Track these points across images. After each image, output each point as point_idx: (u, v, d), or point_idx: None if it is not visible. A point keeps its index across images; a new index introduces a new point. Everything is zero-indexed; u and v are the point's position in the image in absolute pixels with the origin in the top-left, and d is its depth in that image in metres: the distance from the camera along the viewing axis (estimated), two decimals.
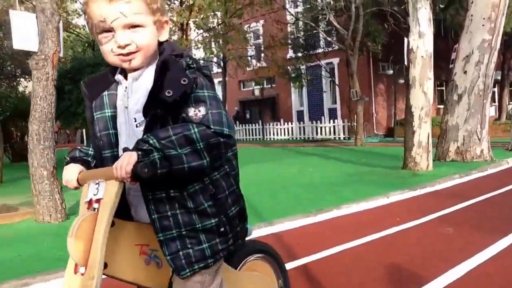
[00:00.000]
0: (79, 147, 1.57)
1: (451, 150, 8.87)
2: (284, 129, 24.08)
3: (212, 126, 1.30)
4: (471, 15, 8.62)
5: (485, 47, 8.56)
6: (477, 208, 5.18)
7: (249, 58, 23.55)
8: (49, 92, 4.96)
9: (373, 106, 23.70)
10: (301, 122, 24.37)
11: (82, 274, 1.30)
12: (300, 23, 22.23)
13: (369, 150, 13.88)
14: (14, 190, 7.87)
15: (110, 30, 1.35)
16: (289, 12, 22.26)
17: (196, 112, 1.32)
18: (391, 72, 20.14)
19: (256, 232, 4.40)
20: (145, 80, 1.41)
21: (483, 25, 8.50)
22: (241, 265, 1.79)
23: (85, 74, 12.41)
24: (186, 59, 1.42)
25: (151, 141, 1.25)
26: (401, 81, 20.44)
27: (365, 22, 17.04)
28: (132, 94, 1.43)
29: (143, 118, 1.37)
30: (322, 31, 17.87)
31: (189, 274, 1.41)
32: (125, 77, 1.45)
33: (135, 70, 1.42)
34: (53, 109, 5.00)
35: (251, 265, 1.86)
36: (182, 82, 1.32)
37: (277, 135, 24.25)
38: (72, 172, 1.45)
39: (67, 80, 12.35)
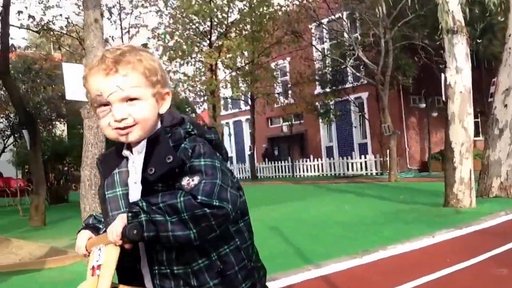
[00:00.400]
0: (94, 214, 1.57)
1: (494, 186, 8.80)
2: (314, 165, 24.11)
3: (199, 197, 1.24)
4: (509, 48, 8.71)
5: None
6: None
7: (276, 95, 23.98)
8: (99, 139, 5.24)
9: (405, 140, 23.56)
10: (331, 158, 24.38)
11: None
12: (328, 59, 22.63)
13: (405, 186, 13.78)
14: (58, 232, 8.15)
15: (107, 104, 1.34)
16: (316, 48, 22.69)
17: (189, 182, 1.28)
18: (423, 105, 20.12)
19: (305, 275, 4.48)
20: None
21: None
22: None
23: None
24: (186, 125, 1.39)
25: (140, 204, 1.25)
26: (434, 114, 20.39)
27: (395, 56, 17.24)
28: (139, 169, 1.39)
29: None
30: (350, 66, 18.14)
31: None
32: (131, 151, 1.43)
33: (138, 143, 1.40)
34: None
35: None
36: (166, 160, 1.30)
37: (307, 171, 24.28)
38: (82, 239, 1.44)
39: None
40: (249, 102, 22.70)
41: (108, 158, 1.51)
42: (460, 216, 7.10)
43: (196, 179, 1.27)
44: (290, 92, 24.75)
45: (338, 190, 13.89)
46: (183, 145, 1.33)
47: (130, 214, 1.24)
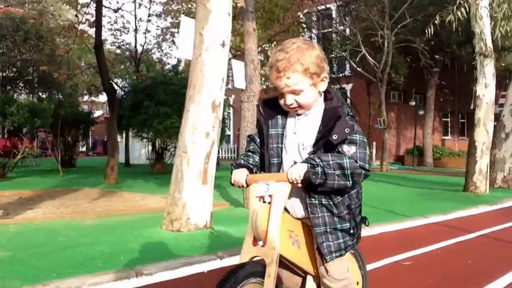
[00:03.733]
0: (242, 156, 2.37)
1: (498, 179, 12.04)
2: None
3: (358, 161, 2.07)
4: None
5: None
6: None
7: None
8: (254, 118, 7.64)
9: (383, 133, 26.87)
10: None
11: (262, 246, 2.10)
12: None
13: (402, 176, 16.69)
14: (135, 189, 10.39)
15: (282, 93, 2.15)
16: (319, 38, 25.08)
17: (348, 149, 2.09)
18: (413, 103, 23.37)
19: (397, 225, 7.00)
20: (313, 117, 2.21)
21: None
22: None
23: (158, 92, 14.88)
24: (345, 108, 2.17)
25: (317, 160, 2.03)
26: (421, 112, 23.75)
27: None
28: (300, 125, 2.22)
29: (308, 144, 2.17)
30: (352, 61, 20.95)
31: (329, 260, 2.21)
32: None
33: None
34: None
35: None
36: (345, 131, 2.09)
37: None
38: (241, 174, 2.22)
39: (144, 96, 14.82)
40: None
41: (270, 105, 2.29)
42: (482, 198, 10.05)
43: (354, 148, 2.08)
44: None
45: None
46: None
47: (309, 165, 2.03)
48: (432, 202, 9.38)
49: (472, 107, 11.08)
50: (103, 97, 25.80)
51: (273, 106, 2.26)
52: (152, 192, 10.15)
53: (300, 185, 2.05)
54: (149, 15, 19.71)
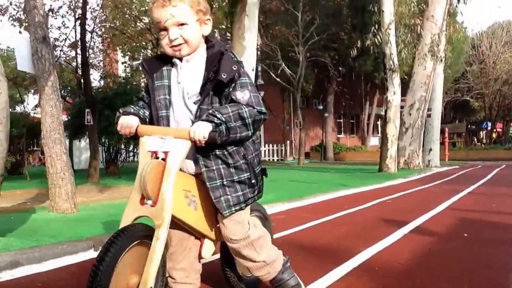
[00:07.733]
0: (131, 106, 2.16)
1: (401, 162, 15.65)
2: None
3: (255, 107, 1.97)
4: (414, 80, 15.65)
5: (422, 99, 15.64)
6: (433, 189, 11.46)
7: None
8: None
9: (292, 134, 30.43)
10: None
11: (152, 206, 1.88)
12: None
13: (319, 167, 19.86)
14: (118, 184, 12.15)
15: (165, 28, 2.01)
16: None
17: (242, 96, 1.97)
18: (321, 107, 26.99)
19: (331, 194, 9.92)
20: (195, 64, 2.08)
21: (421, 87, 15.55)
22: None
23: (118, 102, 16.55)
24: (229, 53, 2.09)
25: (219, 116, 1.88)
26: (326, 114, 27.44)
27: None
28: (183, 73, 2.08)
29: (194, 92, 2.04)
30: (272, 72, 24.00)
31: (228, 214, 2.09)
32: (180, 60, 2.10)
33: (187, 55, 2.07)
34: None
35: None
36: (233, 68, 1.99)
37: None
38: (133, 122, 2.02)
39: (104, 106, 16.39)
40: None
41: (155, 60, 2.18)
42: (393, 175, 13.31)
43: (247, 93, 1.99)
44: None
45: (279, 169, 19.29)
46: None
47: (213, 124, 1.88)
48: (361, 180, 12.39)
49: (384, 108, 14.49)
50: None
51: (157, 61, 2.18)
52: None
53: (203, 144, 1.92)
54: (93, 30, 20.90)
